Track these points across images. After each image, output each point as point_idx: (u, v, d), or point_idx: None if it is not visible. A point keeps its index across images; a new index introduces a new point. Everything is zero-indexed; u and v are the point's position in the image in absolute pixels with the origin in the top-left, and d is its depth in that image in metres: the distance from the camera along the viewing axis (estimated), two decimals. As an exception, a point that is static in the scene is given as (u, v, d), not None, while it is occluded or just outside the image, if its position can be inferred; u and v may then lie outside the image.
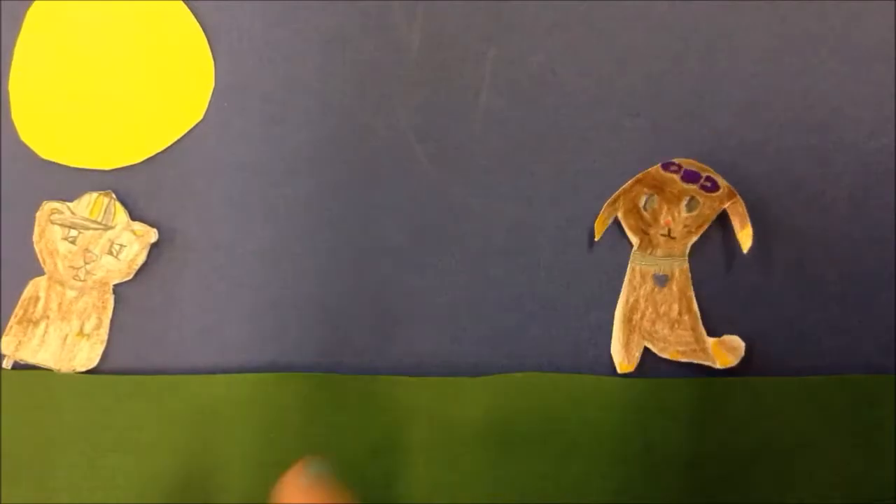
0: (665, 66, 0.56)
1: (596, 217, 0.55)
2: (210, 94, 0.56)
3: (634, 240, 0.55)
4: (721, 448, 0.53)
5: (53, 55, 0.55)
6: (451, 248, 0.55)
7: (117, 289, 0.55)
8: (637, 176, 0.54)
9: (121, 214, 0.54)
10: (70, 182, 0.55)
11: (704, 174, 0.55)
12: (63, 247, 0.54)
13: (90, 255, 0.54)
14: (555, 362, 0.54)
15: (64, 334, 0.54)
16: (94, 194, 0.54)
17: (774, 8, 0.56)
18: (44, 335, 0.54)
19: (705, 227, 0.55)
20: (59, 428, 0.53)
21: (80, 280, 0.54)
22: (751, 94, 0.56)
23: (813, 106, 0.56)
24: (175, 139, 0.55)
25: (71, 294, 0.54)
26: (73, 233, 0.54)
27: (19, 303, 0.54)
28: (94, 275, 0.54)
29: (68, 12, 0.55)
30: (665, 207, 0.55)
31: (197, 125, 0.55)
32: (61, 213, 0.54)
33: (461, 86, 0.56)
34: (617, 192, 0.54)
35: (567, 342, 0.55)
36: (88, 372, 0.54)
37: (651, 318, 0.54)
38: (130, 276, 0.55)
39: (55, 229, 0.54)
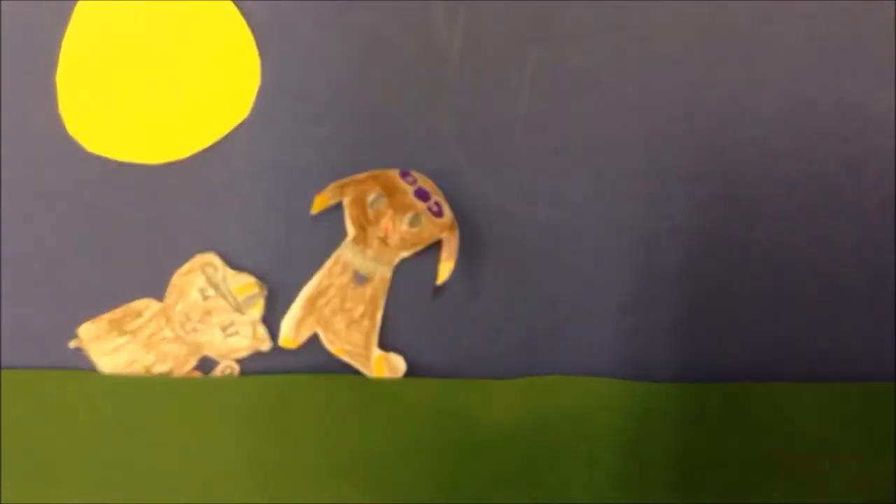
0: (704, 73, 0.55)
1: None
2: (255, 92, 0.55)
3: (351, 231, 0.55)
4: (743, 453, 0.53)
5: (102, 49, 0.55)
6: (487, 250, 0.57)
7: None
8: (374, 171, 0.55)
9: (257, 311, 0.54)
10: (115, 176, 0.55)
11: (435, 198, 0.54)
12: (193, 295, 0.54)
13: (207, 318, 0.54)
14: (589, 366, 0.54)
15: (134, 360, 0.54)
16: (252, 279, 0.54)
17: (812, 17, 0.55)
18: (118, 349, 0.54)
19: (420, 247, 0.55)
20: (59, 428, 0.53)
21: (184, 331, 0.54)
22: (787, 102, 0.55)
23: (846, 116, 0.54)
24: (221, 136, 0.55)
25: (167, 334, 0.54)
26: (211, 292, 0.54)
27: (123, 307, 0.54)
28: (197, 335, 0.54)
29: (117, 7, 0.55)
30: (390, 213, 0.55)
31: (242, 123, 0.55)
32: (215, 270, 0.54)
33: (501, 89, 0.56)
34: (348, 178, 0.55)
35: (602, 347, 0.55)
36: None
37: (333, 308, 0.55)
38: (223, 359, 0.55)
39: (200, 277, 0.54)
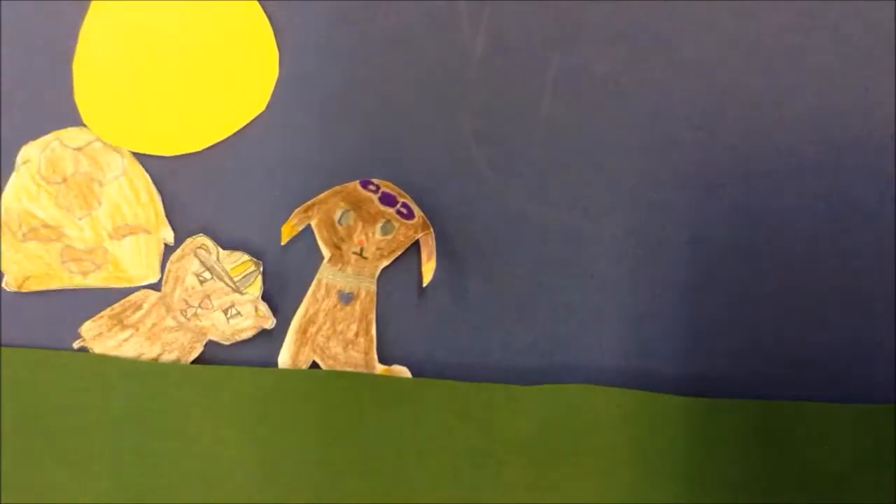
0: (728, 81, 0.54)
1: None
2: (273, 85, 0.55)
3: (326, 253, 0.54)
4: (771, 472, 0.52)
5: (119, 39, 0.55)
6: (504, 253, 0.56)
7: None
8: (335, 188, 0.53)
9: (255, 288, 0.53)
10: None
11: (401, 200, 0.53)
12: (190, 280, 0.54)
13: (207, 302, 0.54)
14: (604, 373, 0.54)
15: (141, 353, 0.54)
16: (246, 257, 0.53)
17: (840, 28, 0.54)
18: (123, 342, 0.54)
19: (398, 252, 0.54)
20: (57, 411, 0.53)
21: (185, 318, 0.54)
22: (813, 112, 0.54)
23: (873, 127, 0.53)
24: (237, 129, 0.55)
25: (169, 323, 0.54)
26: (207, 275, 0.54)
27: (121, 302, 0.54)
28: (199, 320, 0.54)
29: (134, -3, 0.54)
30: (360, 226, 0.54)
31: (258, 117, 0.55)
32: (208, 252, 0.54)
33: (523, 92, 0.54)
34: (311, 201, 0.53)
35: (617, 354, 0.54)
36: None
37: (327, 333, 0.54)
38: (228, 342, 0.54)
39: (194, 261, 0.54)
